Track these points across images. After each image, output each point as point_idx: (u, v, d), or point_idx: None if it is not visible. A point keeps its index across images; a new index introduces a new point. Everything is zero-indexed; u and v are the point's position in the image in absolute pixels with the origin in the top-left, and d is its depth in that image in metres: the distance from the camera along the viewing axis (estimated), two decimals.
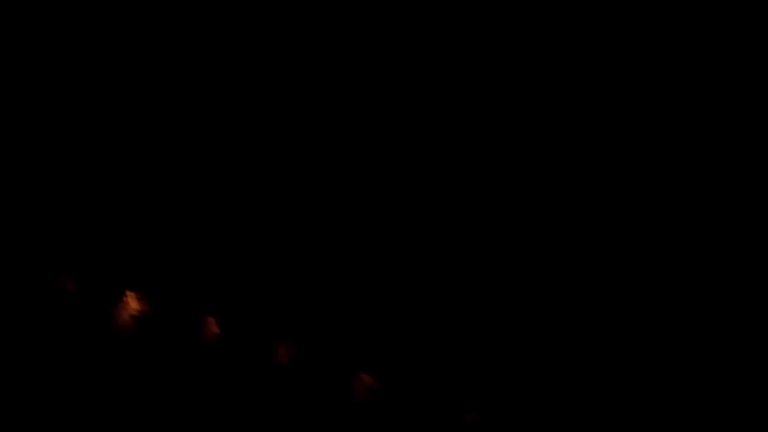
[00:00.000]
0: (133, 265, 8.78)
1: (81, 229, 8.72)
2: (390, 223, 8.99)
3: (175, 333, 8.66)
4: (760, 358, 8.19)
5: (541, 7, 8.43)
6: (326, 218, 8.95)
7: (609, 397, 8.38)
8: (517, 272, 8.76)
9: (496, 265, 8.84)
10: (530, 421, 8.63)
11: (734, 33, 8.25)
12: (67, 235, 8.71)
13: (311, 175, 9.04)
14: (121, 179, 8.79)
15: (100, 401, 8.23)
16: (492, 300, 8.75)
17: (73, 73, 8.67)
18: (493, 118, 8.75)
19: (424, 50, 8.64)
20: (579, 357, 8.61)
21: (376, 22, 8.78)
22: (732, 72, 8.16)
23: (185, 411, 8.31)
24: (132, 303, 8.56)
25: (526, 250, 8.69)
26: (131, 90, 8.83)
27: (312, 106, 8.72)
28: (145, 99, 8.83)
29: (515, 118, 8.77)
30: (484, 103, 8.74)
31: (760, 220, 8.44)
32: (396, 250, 8.97)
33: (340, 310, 8.79)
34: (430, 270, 8.91)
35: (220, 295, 8.79)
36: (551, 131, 8.68)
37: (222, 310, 8.70)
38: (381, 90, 8.58)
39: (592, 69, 8.49)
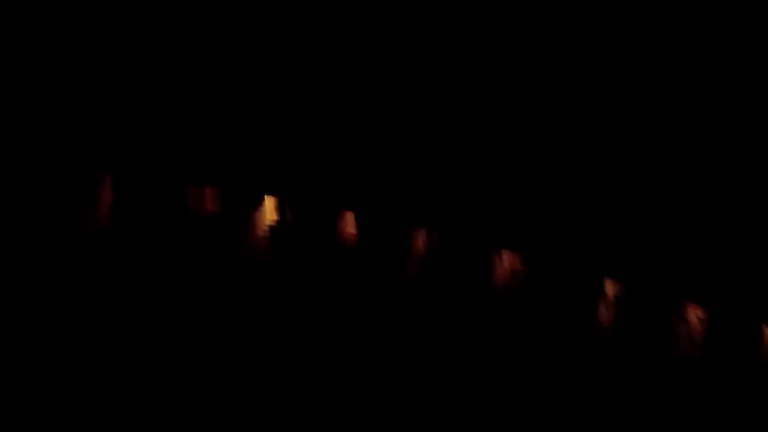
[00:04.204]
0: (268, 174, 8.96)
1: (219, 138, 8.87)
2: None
3: (313, 232, 8.86)
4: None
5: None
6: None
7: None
8: None
9: None
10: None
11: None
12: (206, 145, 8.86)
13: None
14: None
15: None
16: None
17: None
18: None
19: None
20: None
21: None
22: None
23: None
24: (269, 211, 8.79)
25: None
26: None
27: None
28: None
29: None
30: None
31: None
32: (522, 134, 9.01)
33: (477, 190, 8.90)
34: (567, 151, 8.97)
35: (356, 190, 8.94)
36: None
37: (358, 205, 8.85)
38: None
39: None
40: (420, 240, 9.08)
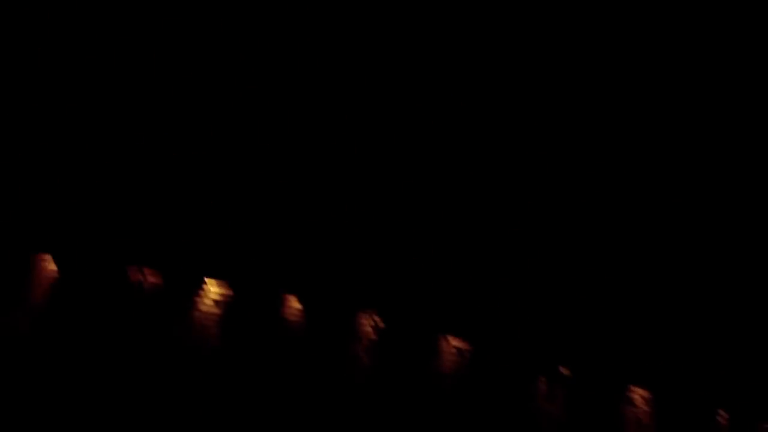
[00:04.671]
0: (210, 254, 8.78)
1: (159, 222, 8.71)
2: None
3: (258, 312, 8.65)
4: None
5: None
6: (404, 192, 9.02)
7: None
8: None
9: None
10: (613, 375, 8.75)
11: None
12: (147, 228, 8.69)
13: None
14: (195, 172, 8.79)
15: (190, 383, 8.20)
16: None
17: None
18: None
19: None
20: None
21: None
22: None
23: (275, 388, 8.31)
24: (212, 289, 8.56)
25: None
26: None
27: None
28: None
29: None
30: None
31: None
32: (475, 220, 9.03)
33: (423, 277, 8.84)
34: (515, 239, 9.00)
35: (299, 273, 8.80)
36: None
37: (301, 287, 8.69)
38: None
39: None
40: (365, 324, 8.93)
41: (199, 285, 8.66)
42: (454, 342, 8.82)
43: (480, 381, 8.70)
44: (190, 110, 8.56)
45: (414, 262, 8.90)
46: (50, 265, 8.41)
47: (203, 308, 8.64)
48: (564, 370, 8.70)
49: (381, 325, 8.82)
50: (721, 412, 8.90)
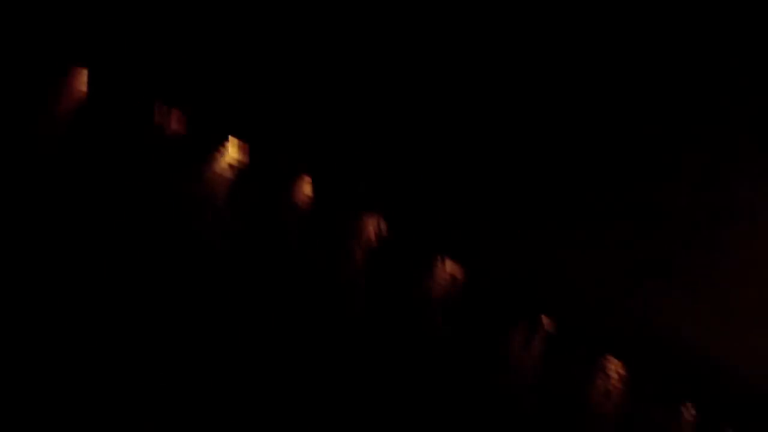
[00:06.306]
0: (238, 113, 8.72)
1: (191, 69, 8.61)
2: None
3: (269, 188, 8.64)
4: None
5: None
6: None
7: None
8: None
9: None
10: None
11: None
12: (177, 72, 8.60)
13: None
14: None
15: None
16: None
17: None
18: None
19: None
20: None
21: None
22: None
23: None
24: (232, 151, 8.53)
25: None
26: None
27: None
28: None
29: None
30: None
31: None
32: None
33: (435, 194, 8.77)
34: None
35: (318, 156, 8.74)
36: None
37: (318, 171, 8.65)
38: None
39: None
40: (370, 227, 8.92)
41: (221, 142, 8.64)
42: (450, 265, 8.81)
43: (469, 313, 8.67)
44: None
45: (431, 176, 8.80)
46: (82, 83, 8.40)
47: (218, 168, 8.64)
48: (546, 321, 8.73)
49: (384, 233, 8.80)
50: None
